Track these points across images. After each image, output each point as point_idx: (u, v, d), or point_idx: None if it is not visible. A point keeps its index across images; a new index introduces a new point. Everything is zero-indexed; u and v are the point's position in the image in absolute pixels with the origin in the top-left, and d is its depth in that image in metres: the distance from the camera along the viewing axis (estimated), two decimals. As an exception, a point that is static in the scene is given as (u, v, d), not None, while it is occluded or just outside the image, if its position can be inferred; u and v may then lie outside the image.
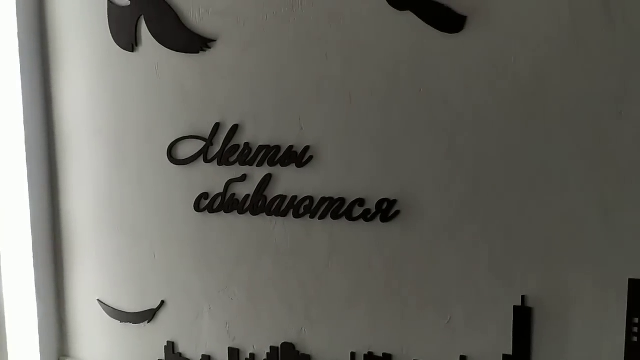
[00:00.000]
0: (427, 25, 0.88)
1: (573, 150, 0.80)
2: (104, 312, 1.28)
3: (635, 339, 0.79)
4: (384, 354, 0.97)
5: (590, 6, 0.77)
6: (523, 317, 0.86)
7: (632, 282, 0.78)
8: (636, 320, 0.79)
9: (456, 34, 0.87)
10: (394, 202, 0.94)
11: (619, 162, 0.77)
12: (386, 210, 0.94)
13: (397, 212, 0.94)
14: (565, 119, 0.80)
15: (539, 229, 0.84)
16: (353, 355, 1.00)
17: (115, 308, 1.26)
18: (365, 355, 0.99)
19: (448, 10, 0.87)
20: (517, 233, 0.85)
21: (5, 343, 1.30)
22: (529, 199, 0.84)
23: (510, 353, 0.87)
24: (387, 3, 0.91)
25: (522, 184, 0.84)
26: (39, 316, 1.32)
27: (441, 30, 0.88)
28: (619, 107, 0.77)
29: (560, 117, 0.80)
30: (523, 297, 0.86)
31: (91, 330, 1.31)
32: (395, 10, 0.90)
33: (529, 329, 0.86)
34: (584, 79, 0.79)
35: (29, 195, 1.28)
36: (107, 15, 1.20)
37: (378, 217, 0.95)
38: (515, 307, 0.86)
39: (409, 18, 0.89)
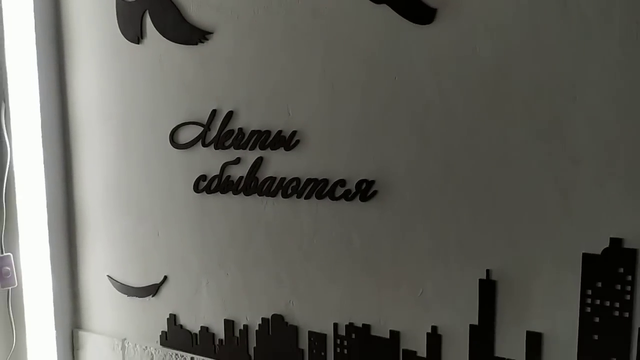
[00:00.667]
0: (401, 17, 0.94)
1: (532, 134, 0.85)
2: (112, 287, 1.36)
3: (588, 309, 0.84)
4: (363, 324, 1.03)
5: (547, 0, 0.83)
6: (487, 290, 0.92)
7: (585, 256, 0.84)
8: (589, 292, 0.84)
9: (427, 25, 0.92)
10: (372, 182, 1.00)
11: (573, 145, 0.83)
12: (365, 190, 1.00)
13: (375, 192, 1.00)
14: (524, 104, 0.85)
15: (503, 208, 0.89)
16: (335, 325, 1.06)
17: (123, 283, 1.35)
18: (346, 326, 1.05)
19: (420, 3, 0.92)
20: (483, 212, 0.90)
21: (23, 316, 1.39)
22: (494, 180, 0.89)
23: (476, 323, 0.93)
24: (366, -3, 0.98)
25: (487, 166, 0.89)
26: (53, 291, 1.39)
27: (414, 22, 0.93)
28: (573, 93, 0.82)
29: (520, 103, 0.86)
30: (487, 271, 0.91)
31: (101, 304, 1.39)
32: (373, 3, 0.96)
33: (493, 301, 0.91)
34: (541, 67, 0.84)
35: (45, 178, 1.35)
36: (115, 11, 1.27)
37: (358, 197, 1.01)
38: (480, 280, 0.92)
39: (384, 10, 0.95)
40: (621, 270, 0.81)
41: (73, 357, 1.43)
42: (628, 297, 0.81)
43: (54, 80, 1.36)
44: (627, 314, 0.82)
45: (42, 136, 1.35)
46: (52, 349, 1.39)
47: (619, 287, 0.82)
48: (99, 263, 1.37)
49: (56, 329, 1.39)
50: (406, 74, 0.95)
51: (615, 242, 0.81)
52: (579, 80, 0.81)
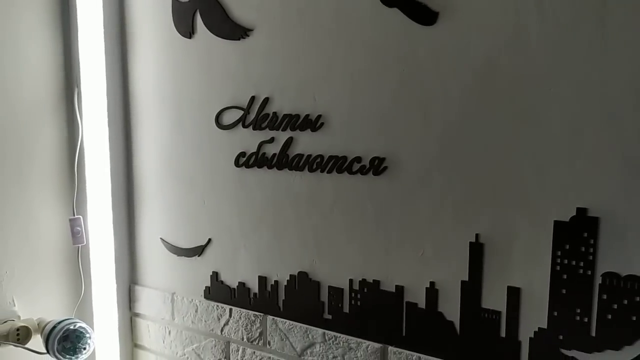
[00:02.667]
0: (409, 19, 1.10)
1: (515, 119, 1.00)
2: (164, 248, 1.56)
3: (558, 267, 1.00)
4: (373, 280, 1.21)
5: (527, 5, 0.98)
6: (476, 251, 1.08)
7: (556, 223, 0.99)
8: (559, 253, 0.99)
9: (431, 26, 1.09)
10: (383, 159, 1.16)
11: (548, 128, 0.98)
12: (377, 166, 1.17)
13: (385, 168, 1.16)
14: (508, 93, 1.00)
15: (490, 181, 1.04)
16: (351, 281, 1.24)
17: (173, 244, 1.55)
18: (359, 281, 1.23)
19: (425, 7, 1.09)
20: (474, 184, 1.06)
21: (90, 270, 1.62)
22: (482, 158, 1.05)
23: (467, 279, 1.09)
24: (380, 2, 1.14)
25: (477, 146, 1.05)
26: (114, 250, 1.58)
27: (420, 23, 1.09)
28: (549, 85, 0.97)
29: (505, 92, 1.01)
30: (477, 235, 1.07)
31: (154, 263, 1.59)
32: (386, 7, 1.13)
33: (480, 260, 1.07)
34: (522, 62, 0.99)
35: (109, 152, 1.55)
36: (170, 10, 1.46)
37: (371, 172, 1.18)
38: (470, 243, 1.08)
39: (395, 13, 1.11)
40: (585, 234, 0.96)
41: (130, 308, 1.66)
42: (591, 257, 0.96)
43: (118, 69, 1.56)
44: (589, 272, 0.97)
45: (108, 117, 1.54)
46: (113, 300, 1.62)
47: (583, 249, 0.97)
48: (153, 227, 1.59)
49: (116, 283, 1.60)
50: (412, 67, 1.11)
51: (581, 211, 0.96)
52: (553, 75, 0.96)
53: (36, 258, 1.53)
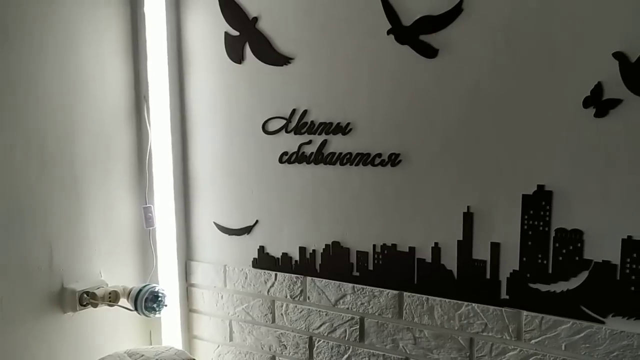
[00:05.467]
0: (417, 54, 1.52)
1: (494, 121, 1.44)
2: (217, 229, 1.92)
3: (525, 227, 1.42)
4: (392, 243, 1.62)
5: (500, 45, 1.42)
6: (468, 218, 1.50)
7: (523, 196, 1.42)
8: (526, 217, 1.41)
9: (433, 59, 1.52)
10: (398, 154, 1.57)
11: (515, 129, 1.42)
12: (394, 160, 1.58)
13: (400, 161, 1.57)
14: (489, 104, 1.44)
15: (477, 168, 1.46)
16: (374, 245, 1.64)
17: (225, 226, 1.91)
18: (380, 246, 1.64)
19: (429, 45, 1.51)
20: (465, 171, 1.47)
21: (157, 249, 2.02)
22: (472, 152, 1.46)
23: (461, 238, 1.51)
24: (394, 40, 1.57)
25: (468, 143, 1.46)
26: (176, 231, 1.95)
27: (424, 57, 1.50)
28: (519, 100, 1.41)
29: (486, 105, 1.43)
30: (468, 206, 1.49)
31: (208, 242, 1.95)
32: (399, 44, 1.56)
33: (471, 225, 1.49)
34: (499, 85, 1.42)
35: (172, 154, 1.91)
36: (223, 41, 1.87)
37: (389, 164, 1.58)
38: (464, 213, 1.50)
39: (406, 49, 1.53)
40: (543, 203, 1.40)
41: (186, 279, 2.05)
42: (547, 218, 1.40)
43: (178, 88, 1.93)
44: (547, 229, 1.40)
45: (170, 126, 1.91)
46: (175, 273, 1.99)
47: (542, 213, 1.40)
48: (208, 213, 1.96)
49: (177, 259, 1.98)
50: (419, 88, 1.53)
51: (540, 187, 1.40)
52: (519, 93, 1.40)
53: (117, 238, 1.91)
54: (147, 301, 1.79)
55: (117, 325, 1.91)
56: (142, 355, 1.66)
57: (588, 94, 1.32)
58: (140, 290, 1.80)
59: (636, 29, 1.26)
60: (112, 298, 1.80)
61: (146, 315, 1.82)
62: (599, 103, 1.31)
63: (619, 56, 1.28)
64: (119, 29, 1.89)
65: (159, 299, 1.82)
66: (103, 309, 1.81)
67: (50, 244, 1.72)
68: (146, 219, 1.93)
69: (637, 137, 1.28)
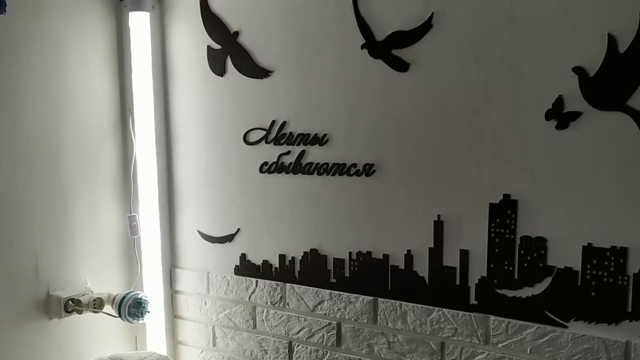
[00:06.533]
0: (389, 67, 1.58)
1: (461, 137, 1.49)
2: (200, 237, 1.97)
3: (492, 234, 1.48)
4: (366, 251, 1.67)
5: (468, 61, 1.48)
6: (438, 226, 1.55)
7: (490, 204, 1.48)
8: (493, 225, 1.47)
9: (405, 72, 1.57)
10: (372, 164, 1.61)
11: (483, 142, 1.47)
12: (368, 170, 1.63)
13: (374, 171, 1.62)
14: (456, 117, 1.49)
15: (447, 178, 1.51)
16: (350, 253, 1.69)
17: (208, 234, 1.97)
18: (356, 253, 1.69)
19: (400, 59, 1.57)
20: (435, 181, 1.53)
21: (141, 256, 2.06)
22: (441, 162, 1.52)
23: (432, 246, 1.57)
24: (368, 54, 1.63)
25: (438, 154, 1.52)
26: (160, 239, 1.99)
27: (396, 70, 1.56)
28: (482, 113, 1.47)
29: (453, 117, 1.50)
30: (438, 215, 1.55)
31: (192, 249, 1.99)
32: (373, 58, 1.62)
33: (441, 232, 1.54)
34: (466, 98, 1.48)
35: (156, 164, 1.95)
36: (206, 54, 1.93)
37: (364, 174, 1.63)
38: (434, 221, 1.56)
39: (379, 63, 1.59)
40: (509, 211, 1.45)
41: (171, 286, 2.10)
42: (513, 226, 1.45)
43: (162, 100, 1.98)
44: (512, 236, 1.45)
45: (155, 137, 1.96)
46: (160, 280, 2.05)
47: (507, 221, 1.46)
48: (191, 221, 2.01)
49: (162, 266, 2.03)
50: (392, 101, 1.58)
51: (506, 196, 1.45)
52: (485, 106, 1.46)
53: (103, 246, 1.96)
54: (131, 307, 1.83)
55: (102, 332, 1.96)
56: (125, 361, 1.71)
57: (550, 107, 1.38)
58: (124, 297, 1.84)
59: (594, 45, 1.32)
60: (97, 305, 1.85)
61: (130, 322, 1.86)
62: (560, 116, 1.37)
63: (579, 71, 1.34)
64: (104, 43, 1.94)
65: (142, 305, 1.86)
66: (88, 315, 1.85)
67: (37, 252, 1.77)
68: (131, 227, 1.98)
69: (596, 148, 1.34)
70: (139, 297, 1.88)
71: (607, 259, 1.35)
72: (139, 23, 1.95)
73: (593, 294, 1.37)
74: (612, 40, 1.30)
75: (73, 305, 1.81)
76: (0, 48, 1.64)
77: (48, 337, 1.80)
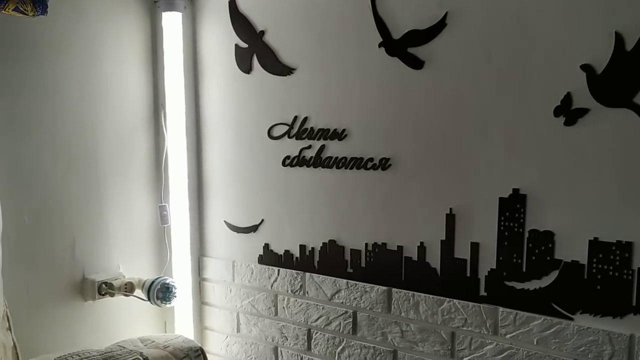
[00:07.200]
0: (405, 65, 1.64)
1: (474, 133, 1.54)
2: (227, 227, 2.08)
3: (502, 228, 1.52)
4: (382, 242, 1.74)
5: (480, 58, 1.52)
6: (450, 219, 1.60)
7: (500, 199, 1.52)
8: (502, 218, 1.51)
9: (419, 70, 1.63)
10: (388, 159, 1.68)
11: (492, 138, 1.51)
12: (384, 164, 1.69)
13: (390, 165, 1.68)
14: (470, 116, 1.54)
15: (459, 173, 1.55)
16: (366, 244, 1.76)
17: (234, 225, 2.07)
18: (372, 244, 1.76)
19: (415, 57, 1.63)
20: (448, 175, 1.58)
21: (171, 245, 2.17)
22: (454, 157, 1.56)
23: (444, 238, 1.62)
24: (385, 52, 1.68)
25: (451, 149, 1.57)
26: (189, 229, 2.10)
27: (412, 68, 1.62)
28: (493, 110, 1.51)
29: (468, 115, 1.54)
30: (450, 208, 1.60)
31: (219, 239, 2.10)
32: (390, 57, 1.67)
33: (453, 226, 1.59)
34: (478, 95, 1.52)
35: (186, 157, 2.07)
36: (234, 53, 2.03)
37: (380, 168, 1.69)
38: (446, 214, 1.61)
39: (395, 60, 1.65)
40: (518, 206, 1.49)
41: (199, 274, 2.20)
42: (521, 220, 1.49)
43: (192, 96, 2.09)
44: (521, 230, 1.49)
45: (185, 131, 2.07)
46: (188, 268, 2.15)
47: (517, 215, 1.49)
48: (218, 212, 2.11)
49: (191, 254, 2.14)
50: (407, 97, 1.64)
51: (515, 190, 1.49)
52: (496, 103, 1.50)
53: (135, 234, 2.08)
54: (159, 292, 1.94)
55: (133, 315, 2.07)
56: (153, 342, 1.82)
57: (558, 103, 1.41)
58: (152, 282, 1.95)
59: (602, 43, 1.34)
60: (128, 289, 1.96)
61: (158, 305, 1.97)
62: (568, 112, 1.40)
63: (587, 68, 1.37)
64: (139, 42, 2.05)
65: (169, 290, 1.97)
66: (120, 298, 1.97)
67: (74, 238, 1.89)
68: (161, 216, 2.09)
69: (602, 144, 1.37)
70: (167, 282, 1.98)
71: (612, 253, 1.37)
72: (172, 23, 2.05)
73: (599, 287, 1.40)
74: (619, 39, 1.33)
75: (106, 289, 1.92)
76: (43, 47, 1.77)
77: (83, 317, 1.93)
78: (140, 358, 1.67)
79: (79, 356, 1.60)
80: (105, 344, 1.79)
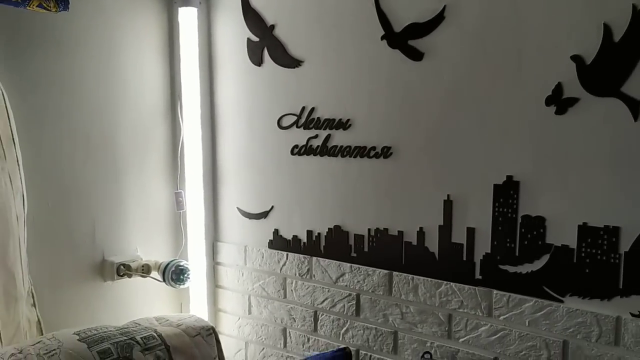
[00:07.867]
0: (406, 57, 1.70)
1: (470, 123, 1.60)
2: (239, 214, 2.17)
3: (496, 213, 1.57)
4: (383, 228, 1.81)
5: (477, 51, 1.58)
6: (448, 206, 1.66)
7: (495, 185, 1.57)
8: (497, 204, 1.56)
9: (419, 61, 1.69)
10: (390, 147, 1.74)
11: (487, 128, 1.57)
12: (386, 152, 1.76)
13: (391, 153, 1.75)
14: (467, 106, 1.60)
15: (456, 160, 1.62)
16: (369, 229, 1.83)
17: (246, 211, 2.16)
18: (374, 229, 1.83)
19: (415, 49, 1.69)
20: (446, 162, 1.64)
21: (187, 230, 2.27)
22: (452, 145, 1.63)
23: (442, 224, 1.68)
24: (387, 45, 1.75)
25: (448, 137, 1.63)
26: (204, 216, 2.20)
27: (412, 59, 1.68)
28: (488, 101, 1.57)
29: (462, 103, 1.60)
30: (448, 195, 1.66)
31: (232, 225, 2.19)
32: (391, 48, 1.74)
33: (450, 211, 1.65)
34: (474, 86, 1.58)
35: (201, 146, 2.16)
36: (246, 46, 2.12)
37: (382, 156, 1.76)
38: (444, 200, 1.67)
39: (396, 52, 1.71)
40: (511, 192, 1.54)
41: (213, 258, 2.30)
42: (515, 206, 1.54)
43: (207, 88, 2.18)
44: (514, 215, 1.55)
45: (200, 121, 2.16)
46: (202, 252, 2.25)
47: (510, 201, 1.55)
48: (232, 199, 2.20)
49: (205, 239, 2.24)
50: (408, 88, 1.70)
51: (509, 177, 1.54)
52: (491, 94, 1.56)
53: (152, 219, 2.19)
54: (173, 273, 2.05)
55: (150, 295, 2.18)
56: (167, 320, 1.92)
57: (550, 93, 1.46)
58: (167, 264, 2.06)
59: (591, 34, 1.39)
60: (145, 270, 2.07)
61: (172, 286, 2.08)
62: (559, 102, 1.45)
63: (576, 59, 1.42)
64: (156, 36, 2.16)
65: (183, 272, 2.07)
66: (137, 279, 2.08)
67: (94, 222, 2.00)
68: (177, 202, 2.19)
69: (591, 132, 1.41)
70: (181, 264, 2.09)
71: (600, 237, 1.42)
72: (188, 18, 2.14)
73: (587, 270, 1.45)
74: (607, 30, 1.37)
75: (124, 270, 2.03)
76: (65, 41, 1.88)
77: (102, 296, 2.04)
78: (155, 334, 1.77)
79: (97, 331, 1.71)
80: (123, 322, 1.90)
